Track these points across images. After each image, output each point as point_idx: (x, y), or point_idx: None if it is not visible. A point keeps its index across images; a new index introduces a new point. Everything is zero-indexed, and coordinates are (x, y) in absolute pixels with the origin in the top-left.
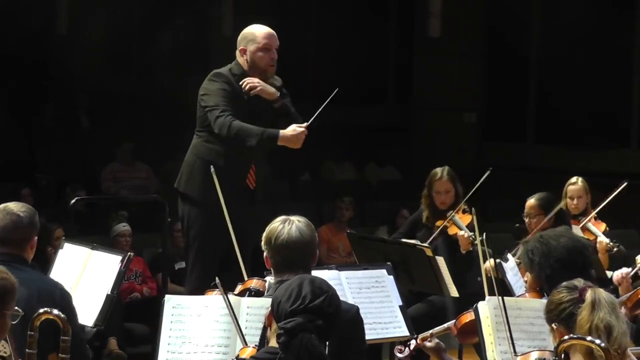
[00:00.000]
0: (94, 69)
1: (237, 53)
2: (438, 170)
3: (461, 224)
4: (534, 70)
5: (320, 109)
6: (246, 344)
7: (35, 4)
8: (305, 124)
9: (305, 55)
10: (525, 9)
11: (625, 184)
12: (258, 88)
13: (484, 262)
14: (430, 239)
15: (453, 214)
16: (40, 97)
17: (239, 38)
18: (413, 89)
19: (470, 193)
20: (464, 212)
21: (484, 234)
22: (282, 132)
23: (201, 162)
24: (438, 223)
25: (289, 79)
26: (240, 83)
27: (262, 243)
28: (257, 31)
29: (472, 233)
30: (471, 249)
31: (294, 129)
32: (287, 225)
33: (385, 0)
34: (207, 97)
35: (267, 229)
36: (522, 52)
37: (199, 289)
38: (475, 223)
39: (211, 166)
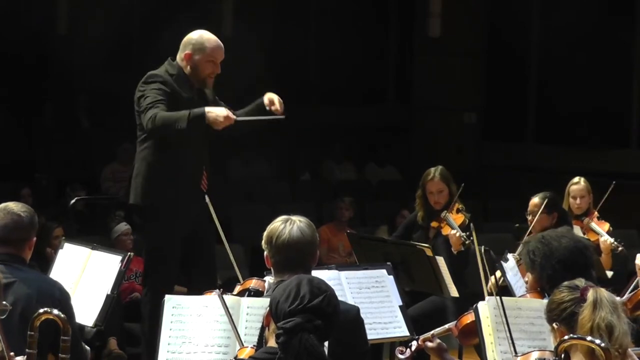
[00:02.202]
0: (94, 69)
1: (179, 55)
2: (431, 170)
3: (453, 224)
4: (533, 70)
5: (254, 117)
6: (243, 345)
7: (35, 4)
8: (234, 116)
9: (305, 56)
10: (525, 9)
11: (613, 184)
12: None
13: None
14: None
15: (447, 213)
16: (40, 97)
17: (185, 41)
18: (413, 89)
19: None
20: (457, 211)
21: (482, 247)
22: (207, 110)
23: (155, 168)
24: (433, 224)
25: (290, 79)
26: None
27: (263, 242)
28: (207, 42)
29: (463, 233)
30: (462, 249)
31: (217, 112)
32: (288, 225)
33: (385, 0)
34: (143, 99)
35: (268, 228)
36: (522, 52)
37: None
38: (474, 236)
39: (206, 196)
